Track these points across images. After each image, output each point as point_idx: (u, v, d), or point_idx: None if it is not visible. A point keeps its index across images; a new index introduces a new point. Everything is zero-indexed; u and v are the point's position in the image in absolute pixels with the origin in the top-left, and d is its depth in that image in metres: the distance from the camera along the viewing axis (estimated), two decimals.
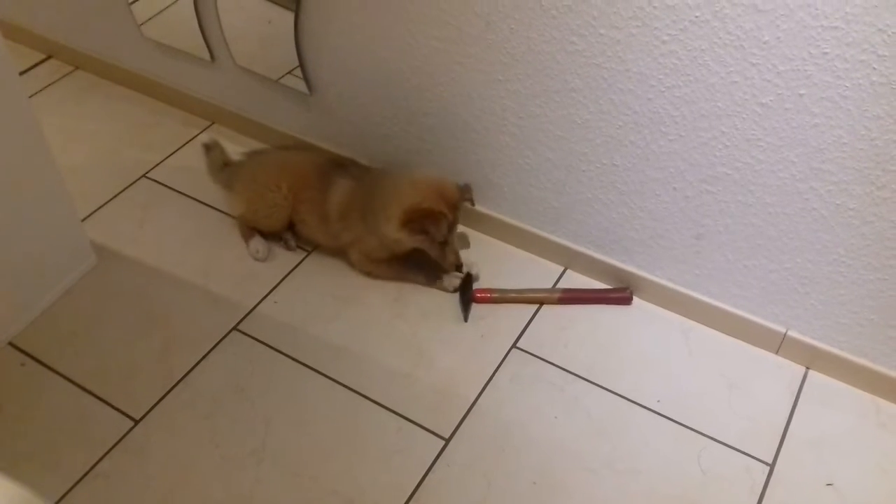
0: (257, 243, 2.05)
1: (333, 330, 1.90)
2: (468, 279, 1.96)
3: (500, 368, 1.84)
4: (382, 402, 1.77)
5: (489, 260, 2.06)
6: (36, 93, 2.51)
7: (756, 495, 1.63)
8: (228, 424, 1.72)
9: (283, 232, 2.07)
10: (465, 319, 1.92)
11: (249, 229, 2.07)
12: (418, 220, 1.81)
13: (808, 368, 1.85)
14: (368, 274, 2.01)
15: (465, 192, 1.91)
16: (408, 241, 1.86)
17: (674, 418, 1.75)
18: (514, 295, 1.97)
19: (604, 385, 1.81)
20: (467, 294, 1.94)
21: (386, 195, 1.87)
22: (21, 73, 2.53)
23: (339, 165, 2.02)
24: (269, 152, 2.19)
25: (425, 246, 1.88)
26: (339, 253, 2.03)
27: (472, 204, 1.97)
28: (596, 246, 1.97)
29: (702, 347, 1.89)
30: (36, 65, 2.62)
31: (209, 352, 1.85)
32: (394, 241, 1.88)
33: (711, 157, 1.63)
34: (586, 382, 1.82)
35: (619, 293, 1.97)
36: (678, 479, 1.66)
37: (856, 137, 1.46)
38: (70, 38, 2.55)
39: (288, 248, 2.07)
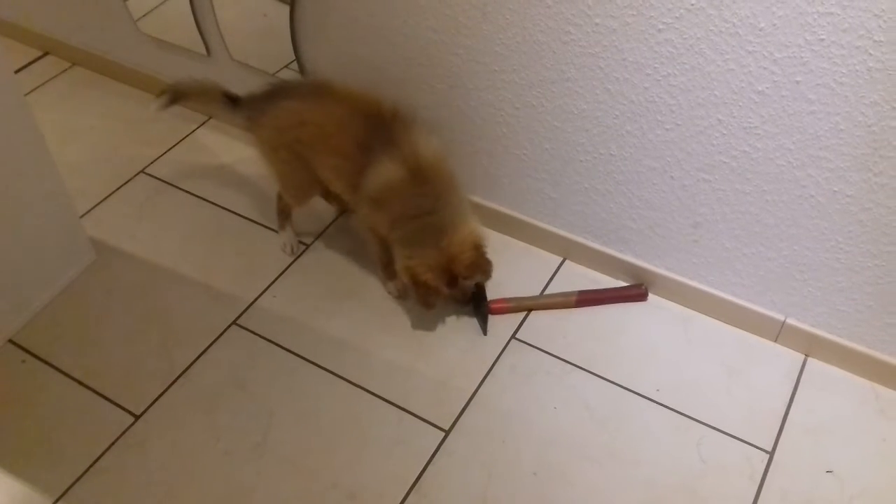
0: (286, 237, 2.04)
1: (333, 323, 1.91)
2: (482, 291, 1.91)
3: (500, 359, 1.84)
4: (382, 395, 1.77)
5: (487, 252, 2.06)
6: (33, 90, 2.51)
7: (756, 483, 1.64)
8: (229, 419, 1.73)
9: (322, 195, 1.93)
10: (485, 333, 1.89)
11: (283, 211, 2.02)
12: (415, 285, 1.75)
13: (806, 356, 1.85)
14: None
15: (472, 273, 1.76)
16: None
17: (673, 407, 1.75)
18: (530, 303, 1.94)
19: (603, 375, 1.81)
20: (483, 306, 1.90)
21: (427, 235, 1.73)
22: (18, 71, 2.55)
23: (386, 130, 1.73)
24: (297, 93, 1.84)
25: None
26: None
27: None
28: (594, 236, 1.97)
29: (700, 336, 1.89)
30: (33, 62, 2.62)
31: (209, 347, 1.85)
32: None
33: (708, 145, 1.63)
34: (585, 373, 1.82)
35: (635, 290, 1.96)
36: (678, 467, 1.66)
37: (853, 124, 1.46)
38: (67, 35, 2.55)
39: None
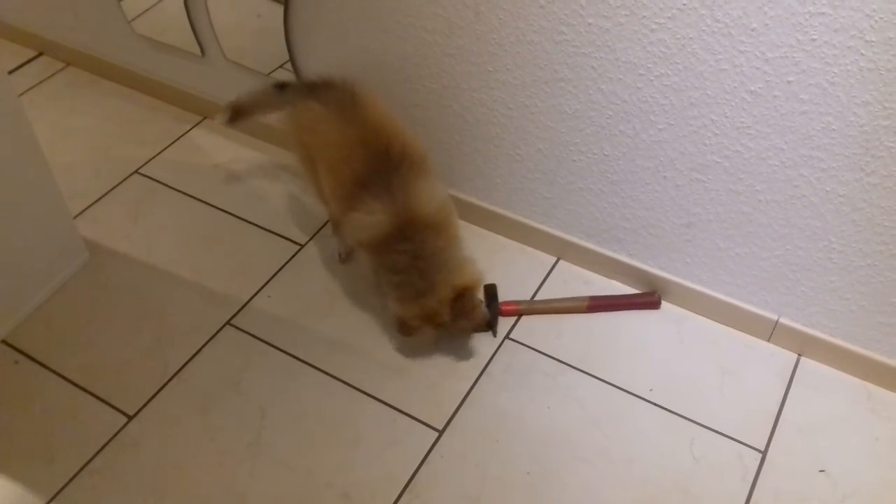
0: (336, 242, 2.03)
1: (327, 324, 1.91)
2: (493, 292, 1.91)
3: (494, 359, 1.84)
4: (376, 395, 1.77)
5: (481, 252, 2.05)
6: (27, 90, 2.51)
7: (748, 482, 1.64)
8: (223, 419, 1.73)
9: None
10: (494, 334, 1.87)
11: (332, 216, 1.99)
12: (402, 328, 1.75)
13: (799, 355, 1.86)
14: None
15: (456, 321, 1.72)
16: None
17: (666, 407, 1.76)
18: (541, 306, 1.93)
19: (597, 375, 1.81)
20: (493, 307, 1.89)
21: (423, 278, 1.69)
22: (12, 71, 2.55)
23: (387, 173, 1.67)
24: (327, 96, 1.78)
25: None
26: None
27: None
28: (587, 236, 1.97)
29: (693, 336, 1.89)
30: (27, 62, 2.62)
31: (203, 347, 1.85)
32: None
33: (701, 145, 1.64)
34: (579, 372, 1.82)
35: (648, 298, 1.94)
36: (671, 467, 1.66)
37: (845, 124, 1.46)
38: (61, 35, 2.55)
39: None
